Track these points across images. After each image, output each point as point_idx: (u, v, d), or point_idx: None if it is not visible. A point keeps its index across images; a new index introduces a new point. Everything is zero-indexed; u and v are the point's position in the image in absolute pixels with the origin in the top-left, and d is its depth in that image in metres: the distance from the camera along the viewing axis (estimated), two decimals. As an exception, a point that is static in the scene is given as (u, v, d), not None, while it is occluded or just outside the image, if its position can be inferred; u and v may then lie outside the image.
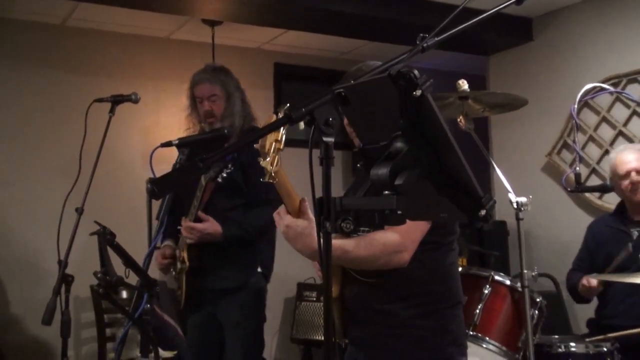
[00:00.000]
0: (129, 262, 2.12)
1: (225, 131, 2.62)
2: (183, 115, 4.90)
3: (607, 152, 4.17)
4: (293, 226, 1.87)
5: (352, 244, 1.96)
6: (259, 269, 3.03)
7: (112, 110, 3.30)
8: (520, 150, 4.76)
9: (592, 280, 3.22)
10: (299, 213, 1.89)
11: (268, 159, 1.73)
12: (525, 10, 4.56)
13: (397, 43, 4.97)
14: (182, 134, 4.91)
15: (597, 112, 4.27)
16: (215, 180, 2.71)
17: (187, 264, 2.91)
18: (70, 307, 2.92)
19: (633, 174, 3.29)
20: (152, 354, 3.39)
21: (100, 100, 3.29)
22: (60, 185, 4.37)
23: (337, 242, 1.97)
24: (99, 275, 2.06)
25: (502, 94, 3.17)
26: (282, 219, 1.90)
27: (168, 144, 2.50)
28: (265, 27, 4.65)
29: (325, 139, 1.36)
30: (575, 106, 3.19)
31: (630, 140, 4.10)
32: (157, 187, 1.18)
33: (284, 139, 1.70)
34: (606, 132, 4.25)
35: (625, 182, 3.30)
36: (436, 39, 1.66)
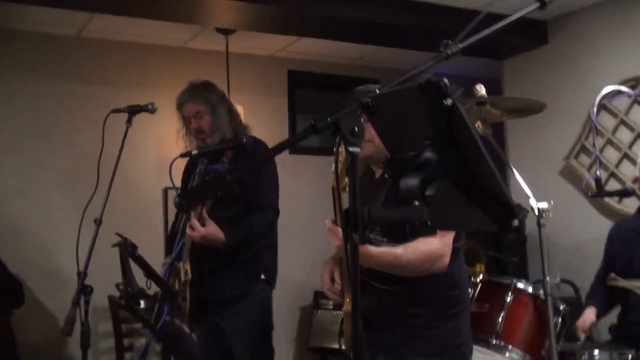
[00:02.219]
0: (150, 273, 2.11)
1: (244, 140, 2.62)
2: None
3: (625, 155, 4.13)
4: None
5: (400, 250, 2.02)
6: (263, 276, 3.03)
7: (129, 121, 3.29)
8: (537, 154, 4.72)
9: (587, 322, 3.18)
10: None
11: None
12: (539, 13, 4.50)
13: (410, 49, 4.95)
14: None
15: (615, 115, 4.22)
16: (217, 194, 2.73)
17: (190, 275, 2.92)
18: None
19: None
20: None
21: (117, 110, 3.29)
22: (77, 195, 4.41)
23: (385, 249, 2.06)
24: (120, 287, 2.06)
25: (520, 99, 3.15)
26: (336, 231, 1.91)
27: (187, 154, 2.49)
28: (278, 35, 4.65)
29: (351, 149, 1.35)
30: (594, 109, 3.17)
31: (631, 128, 4.05)
32: (185, 200, 1.16)
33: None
34: (625, 135, 4.21)
35: None
36: (460, 45, 1.64)
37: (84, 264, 3.04)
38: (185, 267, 3.00)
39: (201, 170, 2.41)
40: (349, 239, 1.36)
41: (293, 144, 1.48)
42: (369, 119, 1.30)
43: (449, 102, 1.10)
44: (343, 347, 2.51)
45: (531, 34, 4.67)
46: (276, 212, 3.08)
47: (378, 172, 2.34)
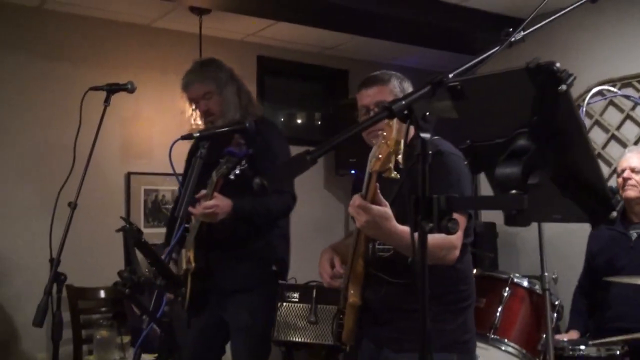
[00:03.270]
0: (155, 261, 1.97)
1: (247, 124, 2.49)
2: (164, 107, 4.81)
3: (599, 155, 4.20)
4: (379, 214, 1.83)
5: (406, 229, 1.94)
6: (274, 268, 2.88)
7: (107, 100, 3.13)
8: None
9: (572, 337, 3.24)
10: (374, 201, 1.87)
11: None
12: (515, 11, 4.55)
13: (383, 38, 4.90)
14: (163, 125, 4.80)
15: (591, 116, 4.29)
16: (227, 176, 2.57)
17: (194, 264, 2.75)
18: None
19: (627, 171, 3.32)
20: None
21: (95, 88, 3.11)
22: (44, 177, 4.16)
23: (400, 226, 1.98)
24: (124, 275, 1.91)
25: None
26: (369, 207, 1.83)
27: (189, 137, 2.35)
28: (251, 18, 4.52)
29: (422, 134, 1.27)
30: (584, 108, 3.18)
31: (623, 144, 4.13)
32: (267, 182, 1.06)
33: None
34: (599, 136, 4.27)
35: (619, 179, 3.34)
36: (523, 32, 1.59)
37: (58, 250, 2.88)
38: (188, 255, 2.83)
39: (202, 155, 2.27)
40: (419, 228, 1.29)
41: (366, 127, 1.38)
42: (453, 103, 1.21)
43: (564, 88, 1.03)
44: (342, 344, 2.43)
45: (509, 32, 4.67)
46: (294, 198, 2.88)
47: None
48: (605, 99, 3.94)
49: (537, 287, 2.66)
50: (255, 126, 2.79)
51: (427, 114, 1.26)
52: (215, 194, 2.62)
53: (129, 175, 4.64)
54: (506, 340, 2.62)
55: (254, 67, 5.20)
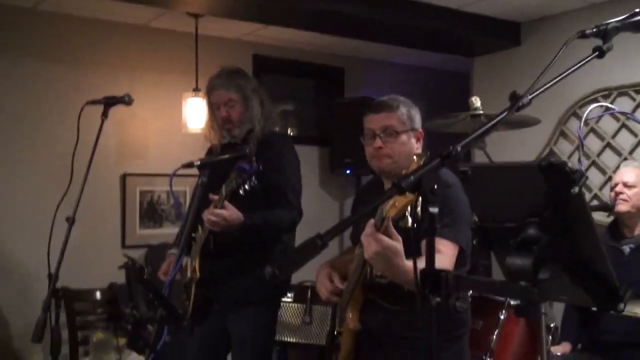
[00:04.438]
0: (157, 296, 1.98)
1: (247, 151, 2.49)
2: (159, 108, 4.78)
3: (593, 162, 4.22)
4: (390, 248, 1.80)
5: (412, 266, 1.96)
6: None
7: (104, 114, 3.12)
8: (508, 159, 4.74)
9: (561, 352, 3.25)
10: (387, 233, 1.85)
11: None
12: (514, 14, 4.54)
13: (375, 41, 4.88)
14: (159, 126, 4.77)
15: (587, 124, 4.31)
16: (237, 191, 2.57)
17: (198, 274, 2.77)
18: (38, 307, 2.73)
19: (620, 185, 3.34)
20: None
21: (93, 102, 3.10)
22: (41, 187, 4.15)
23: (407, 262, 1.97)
24: (127, 311, 1.93)
25: (515, 114, 3.13)
26: (381, 239, 1.80)
27: (190, 165, 2.35)
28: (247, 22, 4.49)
29: (430, 208, 1.29)
30: (582, 125, 3.20)
31: (618, 152, 4.15)
32: (279, 271, 1.07)
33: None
34: (594, 144, 4.29)
35: (612, 193, 3.36)
36: (529, 97, 1.60)
37: (56, 266, 2.88)
38: (193, 265, 2.84)
39: (203, 183, 2.27)
40: (426, 301, 1.31)
41: (377, 206, 1.39)
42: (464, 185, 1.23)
43: (576, 190, 1.04)
44: None
45: (504, 35, 4.67)
46: (300, 214, 2.91)
47: (388, 184, 2.32)
48: (604, 114, 3.95)
49: (532, 309, 2.69)
50: (268, 139, 2.83)
51: (435, 187, 1.28)
52: (227, 203, 2.62)
53: (124, 177, 4.63)
54: (501, 363, 2.67)
55: (250, 65, 5.16)
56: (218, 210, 2.60)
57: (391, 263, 1.81)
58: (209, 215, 2.60)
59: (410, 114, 2.29)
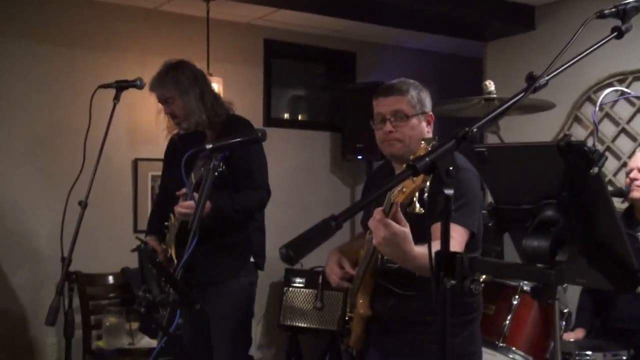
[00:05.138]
0: (169, 278, 1.98)
1: (259, 134, 2.49)
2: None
3: (608, 148, 4.18)
4: (399, 233, 1.78)
5: (421, 251, 1.94)
6: (252, 259, 2.99)
7: (117, 97, 3.13)
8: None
9: (574, 338, 3.24)
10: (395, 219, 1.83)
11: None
12: (527, -1, 4.49)
13: (387, 25, 4.84)
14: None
15: (601, 109, 4.25)
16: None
17: (175, 261, 2.82)
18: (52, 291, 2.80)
19: (635, 171, 3.30)
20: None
21: (105, 86, 3.12)
22: (52, 171, 4.16)
23: (425, 248, 1.97)
24: (140, 294, 1.93)
25: (530, 98, 3.11)
26: (389, 224, 1.78)
27: (202, 150, 2.35)
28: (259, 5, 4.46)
29: (446, 190, 1.27)
30: (597, 109, 3.16)
31: (633, 138, 4.11)
32: (293, 251, 1.06)
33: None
34: (609, 129, 4.25)
35: (627, 179, 3.32)
36: (546, 77, 1.57)
37: (69, 250, 2.90)
38: (170, 252, 2.92)
39: (215, 167, 2.26)
40: (440, 283, 1.30)
41: (390, 187, 1.36)
42: (477, 166, 1.21)
43: (595, 171, 1.02)
44: (348, 347, 2.47)
45: (518, 19, 4.62)
46: (268, 193, 3.02)
47: (399, 169, 2.31)
48: (619, 99, 3.90)
49: (546, 295, 2.67)
50: (229, 122, 2.95)
51: (451, 168, 1.27)
52: (195, 194, 2.65)
53: (136, 162, 4.63)
54: (514, 349, 2.65)
55: (261, 50, 5.14)
56: (187, 203, 2.69)
57: (399, 248, 1.81)
58: (179, 209, 2.72)
59: (420, 97, 2.26)
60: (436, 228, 1.81)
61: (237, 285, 2.96)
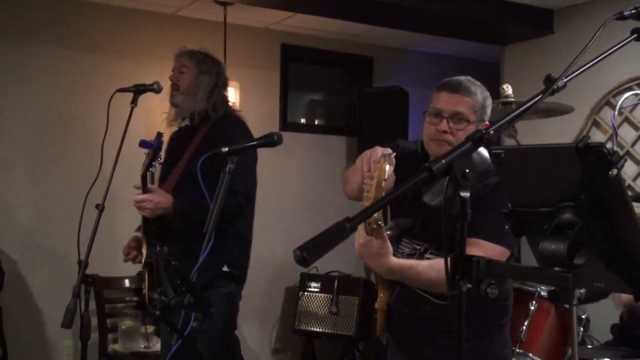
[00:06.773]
0: (185, 282, 1.98)
1: (275, 138, 2.47)
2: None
3: (627, 153, 4.13)
4: (368, 245, 1.84)
5: (425, 265, 1.99)
6: (226, 269, 2.83)
7: (134, 101, 3.14)
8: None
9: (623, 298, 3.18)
10: (373, 233, 1.84)
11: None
12: (547, 2, 4.45)
13: (402, 29, 4.82)
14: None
15: (620, 113, 4.21)
16: (147, 171, 2.75)
17: (145, 260, 2.80)
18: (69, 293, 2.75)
19: None
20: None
21: (122, 90, 3.13)
22: (68, 173, 4.20)
23: (408, 263, 2.02)
24: (155, 296, 1.93)
25: (548, 102, 3.08)
26: (359, 236, 1.84)
27: (217, 154, 2.33)
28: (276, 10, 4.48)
29: (461, 193, 1.26)
30: (616, 114, 3.12)
31: (652, 143, 4.07)
32: (307, 253, 1.05)
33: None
34: (628, 133, 4.20)
35: None
36: (564, 79, 1.56)
37: (86, 253, 2.91)
38: (143, 251, 2.88)
39: (230, 170, 2.26)
40: (455, 287, 1.29)
41: (407, 190, 1.35)
42: (495, 168, 1.20)
43: (614, 172, 1.00)
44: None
45: (536, 23, 4.58)
46: (246, 198, 2.83)
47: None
48: (639, 103, 3.85)
49: (564, 300, 2.64)
50: (221, 120, 2.94)
51: (467, 171, 1.25)
52: (153, 187, 2.72)
53: (153, 165, 4.65)
54: (531, 354, 2.63)
55: (278, 54, 5.15)
56: (140, 196, 2.68)
57: (375, 261, 1.86)
58: (133, 201, 2.73)
59: (485, 103, 2.11)
60: (472, 244, 1.79)
61: (215, 297, 2.64)
